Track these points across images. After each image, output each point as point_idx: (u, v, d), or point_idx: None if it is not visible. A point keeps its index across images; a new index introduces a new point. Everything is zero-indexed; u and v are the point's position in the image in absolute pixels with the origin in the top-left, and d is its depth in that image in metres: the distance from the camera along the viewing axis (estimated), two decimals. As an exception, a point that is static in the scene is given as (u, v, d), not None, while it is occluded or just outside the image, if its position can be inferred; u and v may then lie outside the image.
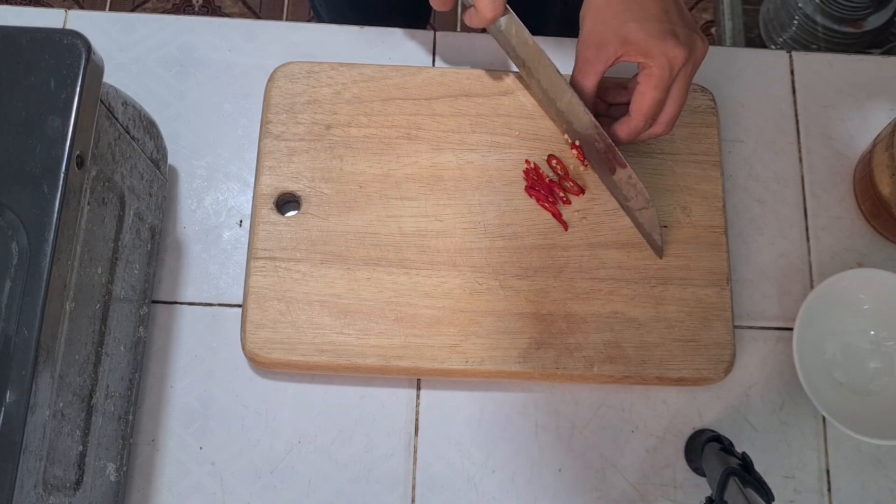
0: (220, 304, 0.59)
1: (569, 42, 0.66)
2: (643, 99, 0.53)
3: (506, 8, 0.55)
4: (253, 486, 0.56)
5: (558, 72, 0.57)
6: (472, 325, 0.56)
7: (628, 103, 0.55)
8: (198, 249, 0.60)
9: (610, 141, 0.55)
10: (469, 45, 0.66)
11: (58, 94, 0.42)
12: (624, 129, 0.55)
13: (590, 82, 0.55)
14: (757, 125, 0.65)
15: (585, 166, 0.60)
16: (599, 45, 0.53)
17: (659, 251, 0.58)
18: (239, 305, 0.59)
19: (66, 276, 0.43)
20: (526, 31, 0.56)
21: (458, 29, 1.61)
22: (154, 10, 1.64)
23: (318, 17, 0.95)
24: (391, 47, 0.66)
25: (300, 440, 0.57)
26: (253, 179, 0.60)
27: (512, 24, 0.56)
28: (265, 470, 0.56)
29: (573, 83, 0.57)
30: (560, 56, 0.66)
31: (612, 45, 0.53)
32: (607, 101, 0.60)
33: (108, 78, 0.46)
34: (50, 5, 1.61)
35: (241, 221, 0.61)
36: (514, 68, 0.63)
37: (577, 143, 0.59)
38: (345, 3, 0.88)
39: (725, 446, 0.54)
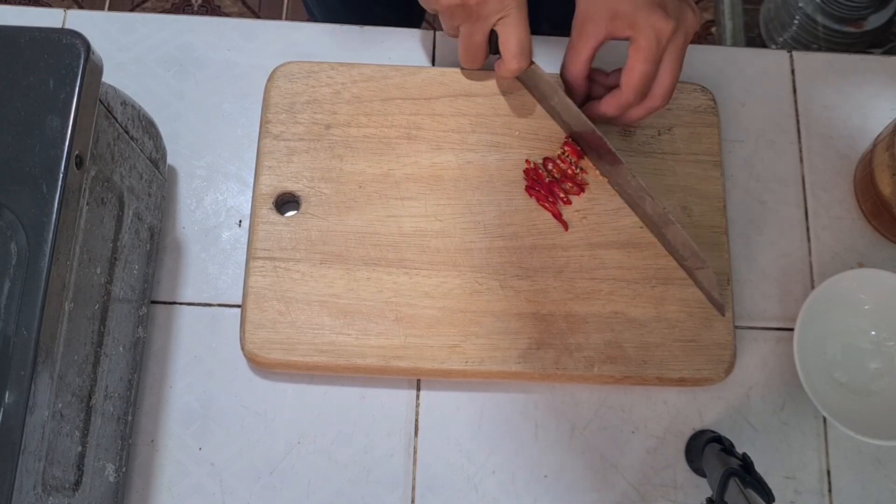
0: (220, 305, 0.59)
1: (565, 41, 0.66)
2: (632, 72, 0.53)
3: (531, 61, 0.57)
4: (252, 486, 0.56)
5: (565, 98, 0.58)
6: (471, 325, 0.56)
7: None
8: (197, 249, 0.60)
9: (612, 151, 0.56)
10: (469, 45, 0.66)
11: (57, 94, 0.42)
12: (613, 102, 0.56)
13: (581, 58, 0.56)
14: (757, 125, 0.65)
15: (580, 159, 0.60)
16: (589, 21, 0.54)
17: (721, 309, 0.57)
18: (238, 306, 0.59)
19: (65, 276, 0.42)
20: (544, 75, 0.58)
21: (458, 29, 1.61)
22: (153, 10, 1.64)
23: (313, 18, 0.95)
24: (391, 47, 0.66)
25: (300, 440, 0.56)
26: (252, 179, 0.60)
27: (534, 72, 0.58)
28: (265, 470, 0.56)
29: (565, 63, 0.57)
30: (556, 55, 0.66)
31: (602, 21, 0.53)
32: (607, 84, 0.59)
33: (107, 78, 0.46)
34: (49, 5, 1.61)
35: (240, 221, 0.61)
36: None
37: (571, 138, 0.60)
38: (338, 3, 0.88)
39: (726, 447, 0.54)
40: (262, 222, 0.58)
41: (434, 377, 0.57)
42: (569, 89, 0.59)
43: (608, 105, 0.56)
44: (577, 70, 0.57)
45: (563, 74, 0.59)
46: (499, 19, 0.54)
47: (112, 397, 0.51)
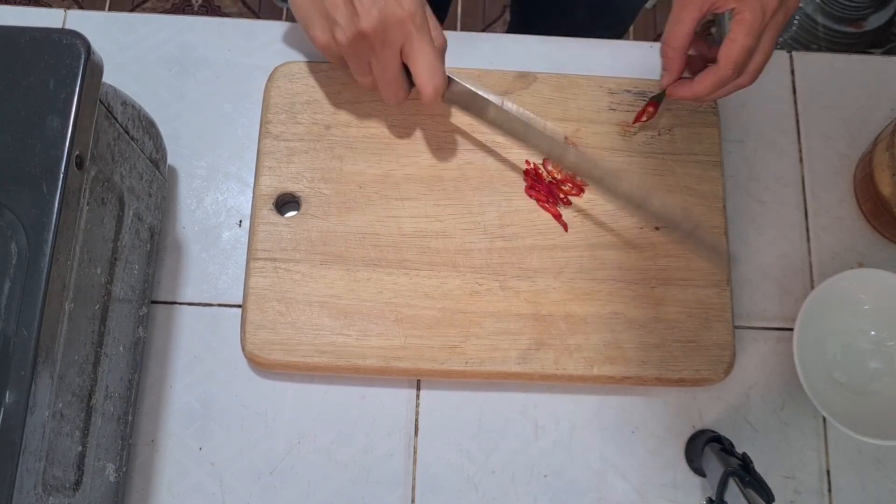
0: (220, 305, 0.59)
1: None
2: (733, 46, 0.51)
3: (449, 80, 0.55)
4: (253, 486, 0.56)
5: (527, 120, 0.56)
6: (471, 326, 0.56)
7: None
8: (197, 249, 0.60)
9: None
10: (469, 45, 0.66)
11: (57, 94, 0.42)
12: (710, 78, 0.53)
13: (684, 30, 0.53)
14: (757, 125, 0.65)
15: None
16: None
17: (724, 262, 0.57)
18: (239, 306, 0.59)
19: (65, 276, 0.42)
20: (477, 92, 0.55)
21: (458, 29, 1.61)
22: (153, 10, 1.64)
23: None
24: (391, 47, 0.66)
25: (300, 440, 0.57)
26: (252, 180, 0.60)
27: (458, 92, 0.56)
28: (265, 470, 0.56)
29: (666, 36, 0.55)
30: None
31: None
32: (701, 52, 0.58)
33: (107, 78, 0.46)
34: (49, 5, 1.61)
35: (240, 222, 0.61)
36: (517, 69, 0.63)
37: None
38: None
39: (726, 447, 0.54)
40: (262, 223, 0.58)
41: (434, 377, 0.57)
42: (666, 65, 0.56)
43: (703, 82, 0.54)
44: (679, 42, 0.54)
45: (663, 49, 0.56)
46: (403, 45, 0.52)
47: (112, 397, 0.51)
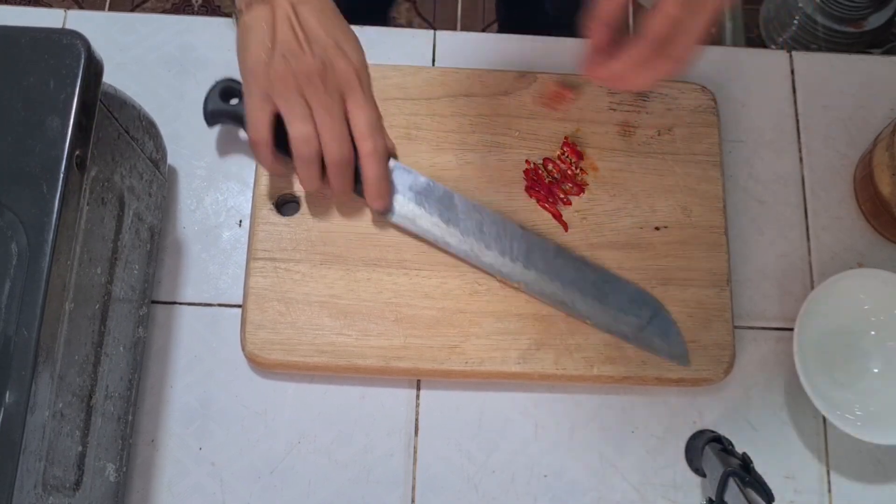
0: (220, 305, 0.59)
1: (554, 42, 0.66)
2: (657, 14, 0.44)
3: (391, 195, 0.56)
4: (253, 486, 0.56)
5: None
6: (471, 325, 0.56)
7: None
8: (197, 249, 0.60)
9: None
10: (469, 45, 0.66)
11: (57, 95, 0.42)
12: (628, 52, 0.46)
13: None
14: (757, 125, 0.65)
15: (580, 160, 0.60)
16: None
17: (684, 359, 0.56)
18: (238, 306, 0.59)
19: (65, 276, 0.43)
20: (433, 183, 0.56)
21: (458, 28, 1.61)
22: (153, 10, 1.63)
23: None
24: (391, 47, 0.66)
25: (300, 440, 0.57)
26: (252, 180, 0.60)
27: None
28: (265, 470, 0.56)
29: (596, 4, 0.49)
30: (560, 55, 0.66)
31: None
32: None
33: (107, 78, 0.46)
34: (49, 5, 1.61)
35: (240, 221, 0.61)
36: (517, 69, 0.63)
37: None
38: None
39: (726, 447, 0.54)
40: (262, 223, 0.58)
41: (434, 377, 0.57)
42: (592, 33, 0.47)
43: (621, 57, 0.46)
44: (606, 11, 0.47)
45: (592, 18, 0.47)
46: (347, 96, 0.52)
47: (112, 397, 0.51)
